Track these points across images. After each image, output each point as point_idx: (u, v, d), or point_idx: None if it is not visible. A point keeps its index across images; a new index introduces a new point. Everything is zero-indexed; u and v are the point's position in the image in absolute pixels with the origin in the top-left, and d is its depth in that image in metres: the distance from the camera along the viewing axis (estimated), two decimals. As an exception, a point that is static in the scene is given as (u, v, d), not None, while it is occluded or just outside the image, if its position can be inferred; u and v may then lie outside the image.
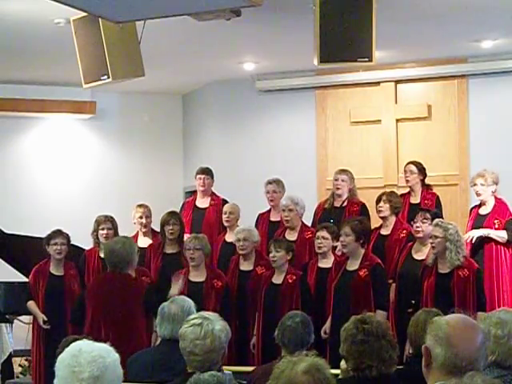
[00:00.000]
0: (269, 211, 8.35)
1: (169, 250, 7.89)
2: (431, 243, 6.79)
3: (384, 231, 7.75)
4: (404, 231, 7.64)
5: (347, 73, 9.46)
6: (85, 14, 6.53)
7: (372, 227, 7.66)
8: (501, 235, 7.48)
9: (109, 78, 6.90)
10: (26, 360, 9.08)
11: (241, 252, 7.58)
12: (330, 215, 8.07)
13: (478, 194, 7.69)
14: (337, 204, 8.17)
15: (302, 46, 7.89)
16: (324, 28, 6.60)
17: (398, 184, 9.31)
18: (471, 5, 7.28)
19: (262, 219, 8.32)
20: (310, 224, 8.04)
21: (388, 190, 8.63)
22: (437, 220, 6.97)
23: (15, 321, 8.70)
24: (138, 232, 8.29)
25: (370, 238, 7.34)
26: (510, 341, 3.58)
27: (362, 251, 6.97)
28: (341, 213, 8.04)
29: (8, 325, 8.69)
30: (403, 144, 9.62)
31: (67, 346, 2.66)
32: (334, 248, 7.39)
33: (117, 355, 2.62)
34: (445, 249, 6.68)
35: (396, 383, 3.79)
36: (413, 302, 6.83)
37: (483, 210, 7.67)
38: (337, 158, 9.85)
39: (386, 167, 9.62)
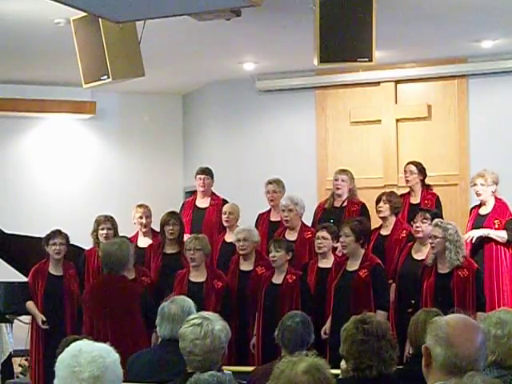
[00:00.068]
0: (269, 211, 8.35)
1: (169, 250, 7.89)
2: (431, 243, 6.79)
3: (384, 231, 7.76)
4: (404, 231, 7.64)
5: (347, 73, 9.46)
6: (85, 14, 6.54)
7: (372, 227, 7.66)
8: (501, 235, 7.48)
9: (109, 78, 6.90)
10: (26, 360, 9.07)
11: (241, 252, 7.58)
12: (330, 215, 8.07)
13: (477, 194, 7.69)
14: (337, 204, 8.17)
15: (301, 45, 7.89)
16: (324, 28, 6.60)
17: (398, 184, 9.31)
18: (471, 5, 7.28)
19: (262, 219, 8.32)
20: (310, 224, 8.04)
21: (388, 190, 8.63)
22: (436, 220, 6.97)
23: (15, 321, 8.70)
24: (138, 232, 8.30)
25: (370, 238, 7.35)
26: (510, 341, 3.58)
27: (362, 251, 6.97)
28: (341, 213, 8.04)
29: (8, 325, 8.69)
30: (403, 144, 9.62)
31: (67, 345, 2.66)
32: (335, 248, 7.39)
33: (117, 355, 2.62)
34: (444, 249, 6.68)
35: (396, 383, 3.79)
36: (413, 301, 6.83)
37: (483, 210, 7.67)
38: (337, 158, 9.85)
39: (386, 167, 9.62)
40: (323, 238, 7.27)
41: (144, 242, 8.19)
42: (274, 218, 8.23)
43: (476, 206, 7.86)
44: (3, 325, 8.62)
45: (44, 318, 7.61)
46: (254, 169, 9.99)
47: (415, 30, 8.09)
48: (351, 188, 8.19)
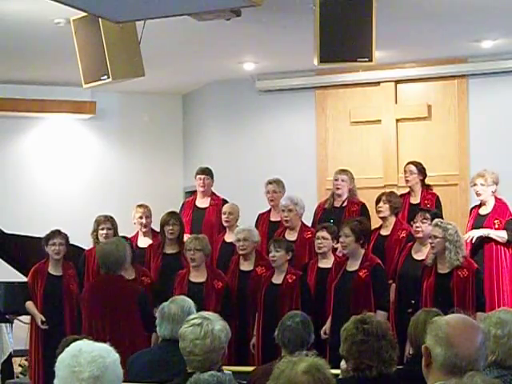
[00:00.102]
0: (269, 211, 8.35)
1: (168, 250, 7.89)
2: (431, 243, 6.79)
3: (384, 231, 7.76)
4: (404, 231, 7.64)
5: (347, 73, 9.46)
6: (85, 14, 6.53)
7: (372, 227, 7.66)
8: (501, 235, 7.48)
9: (109, 77, 6.90)
10: (26, 360, 9.07)
11: (241, 252, 7.57)
12: (330, 215, 8.07)
13: (478, 194, 7.69)
14: (337, 204, 8.17)
15: (302, 45, 7.89)
16: (324, 28, 6.60)
17: (398, 184, 9.31)
18: (471, 5, 7.28)
19: (262, 219, 8.32)
20: (310, 224, 8.04)
21: (388, 190, 8.63)
22: (436, 220, 6.96)
23: (15, 321, 8.69)
24: (138, 232, 8.30)
25: (370, 238, 7.35)
26: (510, 341, 3.58)
27: (362, 251, 6.97)
28: (341, 213, 8.04)
29: (8, 325, 8.68)
30: (403, 144, 9.62)
31: (67, 345, 2.66)
32: (335, 249, 7.39)
33: (117, 355, 2.62)
34: (444, 249, 6.68)
35: (396, 383, 3.79)
36: (413, 302, 6.83)
37: (483, 210, 7.67)
38: (337, 158, 9.85)
39: (386, 167, 9.62)
40: (323, 238, 7.27)
41: (144, 241, 8.19)
42: (274, 218, 8.23)
43: (476, 206, 7.85)
44: (3, 325, 8.61)
45: (43, 318, 7.61)
46: (254, 169, 9.99)
47: (415, 30, 8.10)
48: (351, 188, 8.19)
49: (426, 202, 8.10)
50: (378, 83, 9.69)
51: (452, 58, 9.26)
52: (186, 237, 7.85)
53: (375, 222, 7.90)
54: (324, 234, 7.28)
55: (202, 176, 8.68)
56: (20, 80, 9.97)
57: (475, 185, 7.65)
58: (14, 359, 8.97)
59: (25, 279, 8.01)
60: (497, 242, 7.50)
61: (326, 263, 7.28)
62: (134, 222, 8.31)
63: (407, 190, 8.38)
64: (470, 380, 2.47)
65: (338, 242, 7.22)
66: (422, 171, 8.25)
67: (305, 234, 7.79)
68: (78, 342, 2.65)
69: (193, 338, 3.85)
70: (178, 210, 8.47)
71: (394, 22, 7.51)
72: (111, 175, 10.85)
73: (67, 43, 7.13)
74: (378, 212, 7.78)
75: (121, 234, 7.91)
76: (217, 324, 3.90)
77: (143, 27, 6.64)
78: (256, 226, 8.08)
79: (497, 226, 7.52)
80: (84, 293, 6.98)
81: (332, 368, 3.09)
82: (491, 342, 3.49)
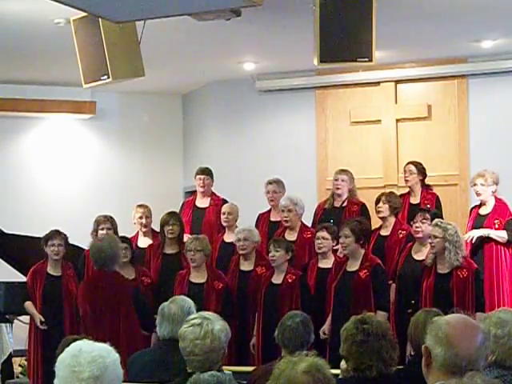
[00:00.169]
0: (269, 211, 8.35)
1: (168, 250, 7.89)
2: (430, 243, 6.79)
3: (384, 232, 7.75)
4: (403, 232, 7.63)
5: (347, 73, 9.45)
6: (85, 14, 6.53)
7: (372, 228, 7.66)
8: (501, 235, 7.48)
9: (109, 77, 6.90)
10: (26, 360, 9.08)
11: (241, 252, 7.57)
12: (330, 215, 8.07)
13: (478, 194, 7.69)
14: (337, 204, 8.17)
15: (301, 46, 7.89)
16: (324, 28, 6.60)
17: (398, 184, 9.30)
18: (471, 5, 7.28)
19: (262, 219, 8.32)
20: (310, 224, 8.04)
21: (388, 190, 8.63)
22: (436, 220, 6.97)
23: (15, 321, 8.69)
24: (138, 232, 8.30)
25: (370, 238, 7.35)
26: (510, 341, 3.58)
27: (362, 252, 6.97)
28: (341, 213, 8.04)
29: (8, 325, 8.68)
30: (403, 144, 9.61)
31: (67, 346, 2.66)
32: (335, 249, 7.39)
33: (117, 355, 2.62)
34: (444, 249, 6.68)
35: (396, 383, 3.79)
36: (413, 302, 6.83)
37: (483, 210, 7.67)
38: (337, 157, 9.85)
39: (386, 167, 9.62)
40: (323, 238, 7.27)
41: (144, 242, 8.19)
42: (274, 218, 8.23)
43: (476, 206, 7.85)
44: (3, 325, 8.62)
45: (42, 319, 7.60)
46: (254, 169, 9.99)
47: (415, 30, 8.09)
48: (351, 188, 8.19)
49: (425, 202, 8.10)
50: (377, 83, 9.69)
51: (452, 58, 9.26)
52: (186, 237, 7.85)
53: (375, 222, 7.90)
54: (324, 234, 7.28)
55: (202, 176, 8.68)
56: (20, 80, 9.97)
57: (475, 185, 7.65)
58: (13, 359, 8.97)
59: (25, 279, 8.01)
60: (497, 242, 7.50)
61: (326, 263, 7.28)
62: (134, 222, 8.31)
63: (407, 190, 8.38)
64: (469, 380, 2.46)
65: (338, 243, 7.22)
66: (421, 171, 8.25)
67: (305, 234, 7.79)
68: (77, 342, 2.65)
69: (193, 338, 3.85)
70: (177, 210, 8.47)
71: (394, 22, 7.51)
72: (111, 175, 10.84)
73: (67, 43, 7.13)
74: (378, 212, 7.78)
75: (121, 233, 7.91)
76: (217, 324, 3.90)
77: (143, 27, 6.64)
78: (256, 226, 8.08)
79: (497, 226, 7.52)
80: (79, 290, 6.99)
81: (332, 368, 3.09)
82: (491, 341, 3.48)
